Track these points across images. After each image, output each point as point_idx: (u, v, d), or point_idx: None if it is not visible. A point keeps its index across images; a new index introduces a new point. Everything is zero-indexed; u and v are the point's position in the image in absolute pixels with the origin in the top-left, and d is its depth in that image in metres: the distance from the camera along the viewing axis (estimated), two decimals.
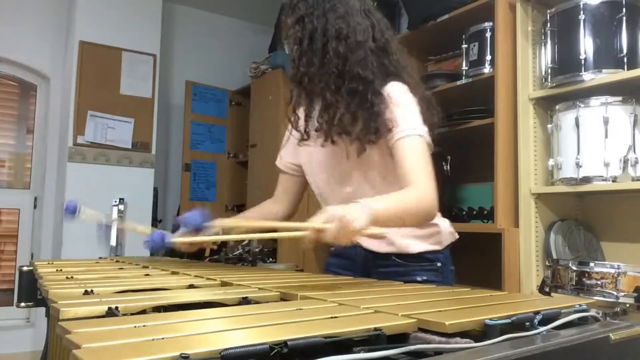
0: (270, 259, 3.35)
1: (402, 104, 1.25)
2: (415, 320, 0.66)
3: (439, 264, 1.36)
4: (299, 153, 1.46)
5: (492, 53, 2.32)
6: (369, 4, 1.33)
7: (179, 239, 1.32)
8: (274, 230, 1.20)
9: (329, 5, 1.25)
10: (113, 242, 3.47)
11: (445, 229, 1.40)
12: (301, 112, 1.36)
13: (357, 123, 1.24)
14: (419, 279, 1.32)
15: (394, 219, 1.14)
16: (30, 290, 1.35)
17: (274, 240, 3.38)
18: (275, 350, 0.52)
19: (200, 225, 1.29)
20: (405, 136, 1.23)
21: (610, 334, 0.68)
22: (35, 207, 3.79)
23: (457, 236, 1.44)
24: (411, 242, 1.34)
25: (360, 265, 1.39)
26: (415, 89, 1.31)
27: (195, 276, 1.14)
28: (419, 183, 1.19)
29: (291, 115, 1.40)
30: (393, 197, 1.17)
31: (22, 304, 1.38)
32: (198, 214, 1.29)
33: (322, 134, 1.30)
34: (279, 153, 1.57)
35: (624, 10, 1.93)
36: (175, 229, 1.38)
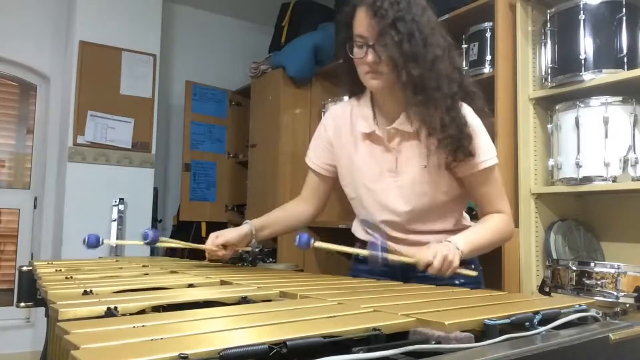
0: (270, 259, 3.35)
1: (477, 129, 1.27)
2: (415, 319, 0.66)
3: (473, 266, 1.36)
4: (336, 156, 1.44)
5: (492, 53, 2.32)
6: (431, 7, 1.30)
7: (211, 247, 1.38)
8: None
9: (415, 9, 1.22)
10: (113, 243, 3.48)
11: None
12: (366, 109, 1.36)
13: (458, 134, 1.24)
14: (457, 282, 1.32)
15: (483, 250, 1.30)
16: (30, 290, 1.35)
17: (274, 240, 3.38)
18: (275, 350, 0.52)
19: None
20: (490, 165, 1.29)
21: (610, 334, 0.68)
22: (35, 207, 3.79)
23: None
24: None
25: (400, 271, 1.35)
26: (476, 99, 1.33)
27: (195, 275, 1.14)
28: (506, 210, 1.32)
29: (343, 111, 1.41)
30: (484, 229, 1.30)
31: (22, 304, 1.38)
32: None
33: (388, 132, 1.30)
34: (308, 152, 1.53)
35: (624, 10, 1.93)
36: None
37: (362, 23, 1.23)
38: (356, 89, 1.38)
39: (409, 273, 1.33)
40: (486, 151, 1.28)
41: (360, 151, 1.37)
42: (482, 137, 1.28)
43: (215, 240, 1.40)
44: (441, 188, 1.31)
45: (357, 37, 1.24)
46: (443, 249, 1.15)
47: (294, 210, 1.54)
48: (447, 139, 1.23)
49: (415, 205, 1.32)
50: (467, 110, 1.28)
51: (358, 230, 1.45)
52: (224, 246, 1.41)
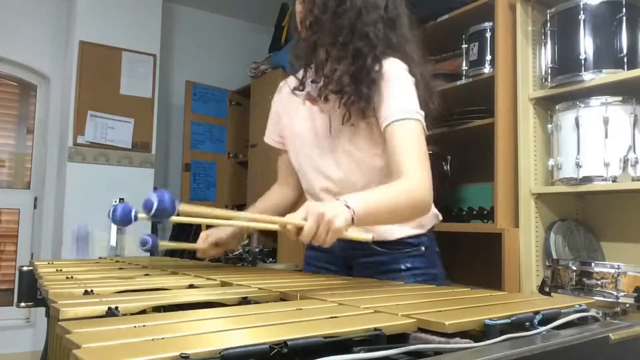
0: (270, 259, 3.36)
1: (396, 82, 1.17)
2: (415, 320, 0.66)
3: (423, 248, 1.29)
4: (282, 125, 1.41)
5: (492, 53, 2.32)
6: None
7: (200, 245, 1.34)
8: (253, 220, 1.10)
9: None
10: (113, 242, 3.48)
11: (430, 211, 1.30)
12: (299, 75, 1.32)
13: (353, 85, 1.17)
14: (403, 267, 1.26)
15: (384, 216, 1.07)
16: (30, 290, 1.35)
17: (274, 240, 3.38)
18: (275, 350, 0.52)
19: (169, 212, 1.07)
20: (399, 119, 1.14)
21: (610, 334, 0.68)
22: (35, 207, 3.79)
23: (441, 218, 1.39)
24: (390, 227, 1.25)
25: (341, 258, 1.33)
26: (416, 67, 1.23)
27: (195, 276, 1.14)
28: (412, 173, 1.10)
29: (293, 60, 1.35)
30: (382, 191, 1.08)
31: (22, 304, 1.38)
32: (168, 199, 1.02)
33: (317, 89, 1.24)
34: (266, 130, 1.51)
35: (624, 10, 1.93)
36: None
37: None
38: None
39: (350, 261, 1.30)
40: (394, 105, 1.15)
41: (299, 116, 1.32)
42: (395, 92, 1.16)
43: (206, 240, 1.39)
44: (371, 149, 1.22)
45: None
46: (318, 207, 0.94)
47: (277, 197, 1.52)
48: (330, 91, 1.19)
49: (346, 170, 1.25)
50: (390, 65, 1.19)
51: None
52: (216, 244, 1.40)
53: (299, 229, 0.93)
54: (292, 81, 1.38)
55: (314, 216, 0.92)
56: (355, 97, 1.16)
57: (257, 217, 1.11)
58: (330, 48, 1.21)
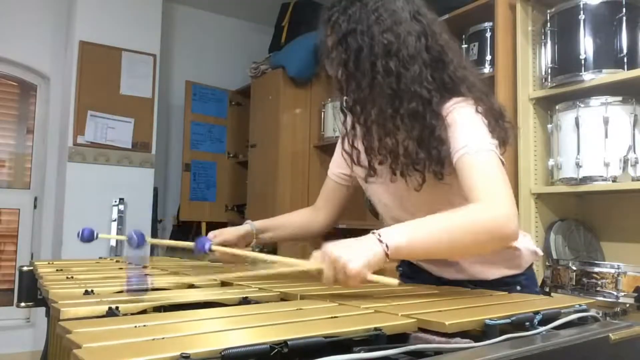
0: None
1: (461, 121, 1.04)
2: (415, 320, 0.66)
3: (519, 288, 1.17)
4: (350, 167, 1.28)
5: (492, 53, 2.32)
6: (418, 4, 1.12)
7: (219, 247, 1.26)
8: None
9: (373, 17, 1.06)
10: (113, 242, 3.48)
11: (526, 249, 1.19)
12: (360, 145, 1.17)
13: (423, 150, 1.05)
14: None
15: (440, 247, 0.94)
16: (30, 290, 1.35)
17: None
18: (276, 350, 0.52)
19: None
20: (468, 152, 1.00)
21: (610, 334, 0.68)
22: (35, 207, 3.79)
23: (541, 254, 1.26)
24: (483, 269, 1.16)
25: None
26: (480, 100, 1.09)
27: (196, 276, 1.14)
28: (487, 198, 0.95)
29: (350, 149, 1.20)
30: (439, 218, 0.93)
31: (22, 304, 1.38)
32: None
33: (387, 168, 1.13)
34: (331, 161, 1.42)
35: (624, 10, 1.93)
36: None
37: (328, 40, 1.13)
38: None
39: None
40: (464, 141, 1.02)
41: (378, 182, 1.21)
42: (461, 128, 1.04)
43: (213, 240, 1.32)
44: (451, 203, 1.05)
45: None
46: (334, 250, 0.86)
47: (303, 218, 1.45)
48: (402, 164, 1.07)
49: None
50: (449, 107, 1.07)
51: None
52: (223, 246, 1.34)
53: (318, 273, 0.89)
54: None
55: (329, 261, 0.86)
56: (428, 162, 1.05)
57: (279, 259, 1.05)
58: (382, 122, 1.09)
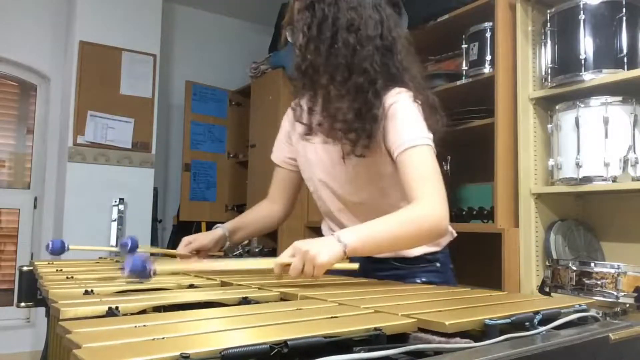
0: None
1: (402, 114, 1.18)
2: (415, 320, 0.66)
3: (438, 264, 1.34)
4: (296, 149, 1.41)
5: (492, 53, 2.32)
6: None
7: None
8: (240, 267, 1.22)
9: None
10: (113, 242, 3.48)
11: None
12: (305, 104, 1.31)
13: (359, 122, 1.18)
14: (418, 280, 1.30)
15: (384, 245, 1.12)
16: (30, 290, 1.35)
17: (274, 240, 3.38)
18: (276, 350, 0.52)
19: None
20: (408, 147, 1.15)
21: (610, 334, 0.68)
22: (35, 207, 3.79)
23: (455, 234, 1.41)
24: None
25: (360, 273, 1.33)
26: (418, 92, 1.23)
27: (195, 276, 1.14)
28: (423, 200, 1.10)
29: (295, 106, 1.33)
30: (383, 222, 1.09)
31: (22, 304, 1.39)
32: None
33: (325, 130, 1.26)
34: (273, 147, 1.53)
35: (624, 10, 1.93)
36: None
37: (294, 5, 1.25)
38: None
39: (368, 274, 1.30)
40: (405, 135, 1.16)
41: (313, 142, 1.33)
42: (402, 122, 1.17)
43: (188, 246, 1.38)
44: (386, 177, 1.24)
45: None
46: (303, 245, 1.01)
47: (264, 211, 1.53)
48: (337, 129, 1.19)
49: (361, 195, 1.28)
50: (393, 97, 1.20)
51: (324, 228, 1.45)
52: (197, 251, 1.40)
53: (287, 266, 1.01)
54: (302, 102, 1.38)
55: (300, 254, 1.00)
56: (360, 133, 1.17)
57: (248, 260, 1.23)
58: (329, 88, 1.21)
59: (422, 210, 1.10)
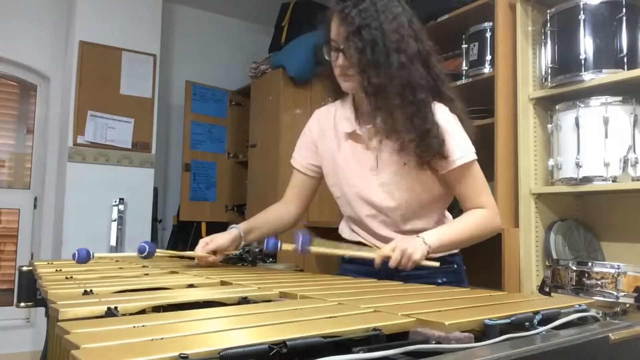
0: (270, 259, 3.35)
1: (450, 129, 1.29)
2: (415, 319, 0.66)
3: (455, 266, 1.42)
4: (322, 156, 1.47)
5: (492, 53, 2.32)
6: (411, 14, 1.32)
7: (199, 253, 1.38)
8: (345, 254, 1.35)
9: (383, 16, 1.24)
10: (113, 242, 3.48)
11: None
12: (348, 108, 1.39)
13: (430, 138, 1.26)
14: (439, 281, 1.37)
15: (457, 244, 1.34)
16: (30, 290, 1.35)
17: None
18: (275, 350, 0.52)
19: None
20: (464, 163, 1.29)
21: (610, 334, 0.68)
22: (35, 207, 3.79)
23: None
24: None
25: (382, 272, 1.34)
26: (453, 104, 1.34)
27: (195, 276, 1.14)
28: (489, 205, 1.32)
29: (334, 111, 1.44)
30: (459, 225, 1.31)
31: (22, 304, 1.38)
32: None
33: (388, 146, 1.32)
34: (293, 153, 1.56)
35: (624, 10, 1.93)
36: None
37: (334, 27, 1.29)
38: (339, 91, 1.41)
39: (392, 273, 1.33)
40: (460, 149, 1.29)
41: (342, 150, 1.40)
42: (455, 136, 1.29)
43: (206, 247, 1.41)
44: (423, 185, 1.33)
45: (332, 41, 1.30)
46: (403, 243, 1.20)
47: (277, 213, 1.56)
48: (412, 141, 1.26)
49: (398, 202, 1.34)
50: (440, 111, 1.30)
51: (344, 230, 1.50)
52: (214, 252, 1.42)
53: (385, 258, 1.20)
54: (327, 112, 1.48)
55: (400, 249, 1.19)
56: (424, 146, 1.26)
57: (353, 248, 1.34)
58: (401, 107, 1.26)
59: (490, 216, 1.33)
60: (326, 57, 1.33)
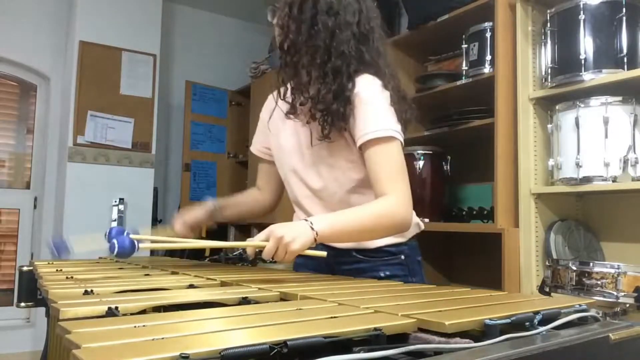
0: (270, 259, 3.35)
1: (371, 101, 1.21)
2: (415, 320, 0.66)
3: (402, 257, 1.32)
4: (269, 137, 1.44)
5: (492, 53, 2.32)
6: None
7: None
8: (215, 245, 1.23)
9: None
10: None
11: None
12: (289, 85, 1.32)
13: (337, 103, 1.20)
14: (382, 274, 1.29)
15: (352, 235, 1.18)
16: (30, 290, 1.35)
17: None
18: (275, 350, 0.52)
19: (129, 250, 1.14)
20: (376, 138, 1.17)
21: (610, 334, 0.68)
22: (35, 207, 3.79)
23: (423, 227, 1.40)
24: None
25: (324, 263, 1.32)
26: (389, 80, 1.26)
27: (195, 276, 1.14)
28: (392, 194, 1.16)
29: (279, 84, 1.34)
30: (352, 213, 1.16)
31: (22, 304, 1.38)
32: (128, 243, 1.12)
33: (305, 111, 1.26)
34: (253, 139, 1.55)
35: (624, 10, 1.93)
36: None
37: None
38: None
39: (333, 267, 1.32)
40: (375, 123, 1.19)
41: (286, 129, 1.35)
42: (374, 110, 1.20)
43: (184, 224, 1.42)
44: (352, 164, 1.26)
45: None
46: (279, 230, 1.06)
47: (252, 198, 1.57)
48: (318, 110, 1.21)
49: (325, 182, 1.29)
50: (364, 82, 1.22)
51: (294, 218, 1.44)
52: (192, 227, 1.44)
53: (261, 249, 1.07)
54: (275, 93, 1.41)
55: (274, 239, 1.05)
56: (334, 115, 1.19)
57: (220, 243, 1.23)
58: (310, 69, 1.24)
59: (391, 206, 1.15)
60: (268, 18, 1.31)
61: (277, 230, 1.06)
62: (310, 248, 1.10)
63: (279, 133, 1.38)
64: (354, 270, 1.29)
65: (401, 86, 1.31)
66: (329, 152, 1.27)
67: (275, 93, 1.40)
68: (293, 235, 1.05)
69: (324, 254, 1.14)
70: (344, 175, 1.28)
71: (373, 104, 1.20)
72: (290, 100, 1.29)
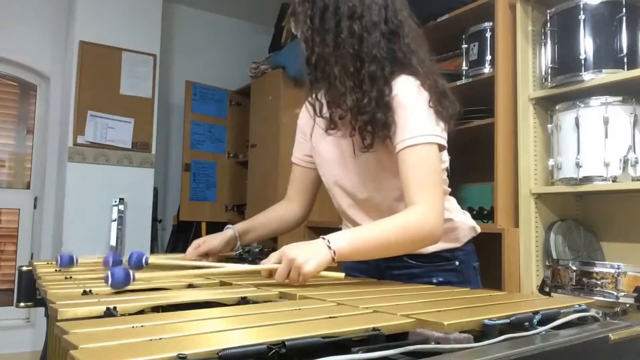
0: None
1: (408, 106, 1.13)
2: (414, 320, 0.66)
3: (457, 263, 1.26)
4: (312, 145, 1.37)
5: (492, 53, 2.32)
6: None
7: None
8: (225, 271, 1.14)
9: None
10: (113, 242, 3.48)
11: (464, 224, 1.29)
12: (323, 98, 1.25)
13: (379, 111, 1.13)
14: (435, 280, 1.23)
15: (374, 251, 1.09)
16: (30, 290, 1.35)
17: (274, 240, 3.38)
18: (274, 351, 0.52)
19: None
20: (410, 145, 1.10)
21: (610, 334, 0.68)
22: (35, 207, 3.79)
23: (479, 230, 1.34)
24: None
25: (373, 267, 1.29)
26: (426, 78, 1.17)
27: (194, 276, 1.14)
28: (420, 203, 1.08)
29: (313, 101, 1.26)
30: (373, 228, 1.09)
31: (22, 304, 1.38)
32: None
33: (346, 123, 1.19)
34: (293, 149, 1.48)
35: (624, 10, 1.93)
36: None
37: None
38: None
39: (383, 271, 1.27)
40: (411, 130, 1.11)
41: (327, 140, 1.29)
42: (412, 114, 1.13)
43: (198, 250, 1.33)
44: (392, 172, 1.18)
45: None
46: (292, 252, 0.99)
47: (280, 212, 1.47)
48: (361, 121, 1.14)
49: (370, 192, 1.24)
50: (402, 85, 1.15)
51: (343, 227, 1.40)
52: (207, 254, 1.34)
53: (271, 272, 1.01)
54: (311, 100, 1.33)
55: (286, 260, 0.98)
56: (378, 124, 1.13)
57: (234, 265, 1.16)
58: (344, 79, 1.16)
59: (416, 218, 1.07)
60: (292, 31, 1.23)
61: (290, 251, 0.99)
62: (333, 269, 1.04)
63: (320, 143, 1.32)
64: (406, 275, 1.23)
65: (439, 80, 1.22)
66: (372, 162, 1.21)
67: (308, 104, 1.33)
68: (306, 256, 0.98)
69: (341, 275, 1.07)
70: (388, 184, 1.21)
71: (409, 109, 1.13)
72: (327, 115, 1.23)
